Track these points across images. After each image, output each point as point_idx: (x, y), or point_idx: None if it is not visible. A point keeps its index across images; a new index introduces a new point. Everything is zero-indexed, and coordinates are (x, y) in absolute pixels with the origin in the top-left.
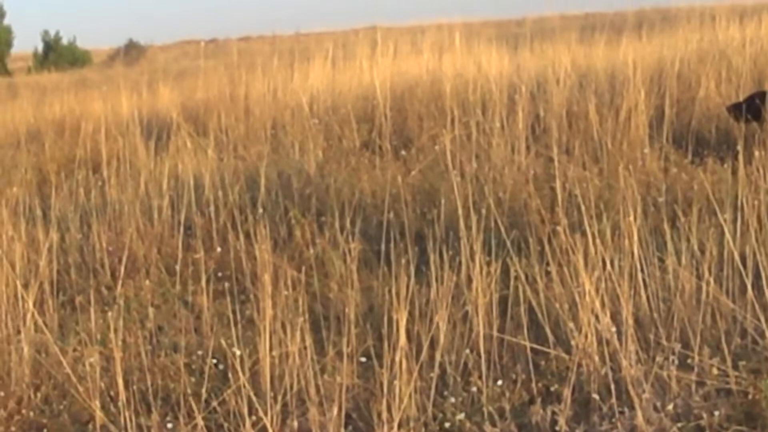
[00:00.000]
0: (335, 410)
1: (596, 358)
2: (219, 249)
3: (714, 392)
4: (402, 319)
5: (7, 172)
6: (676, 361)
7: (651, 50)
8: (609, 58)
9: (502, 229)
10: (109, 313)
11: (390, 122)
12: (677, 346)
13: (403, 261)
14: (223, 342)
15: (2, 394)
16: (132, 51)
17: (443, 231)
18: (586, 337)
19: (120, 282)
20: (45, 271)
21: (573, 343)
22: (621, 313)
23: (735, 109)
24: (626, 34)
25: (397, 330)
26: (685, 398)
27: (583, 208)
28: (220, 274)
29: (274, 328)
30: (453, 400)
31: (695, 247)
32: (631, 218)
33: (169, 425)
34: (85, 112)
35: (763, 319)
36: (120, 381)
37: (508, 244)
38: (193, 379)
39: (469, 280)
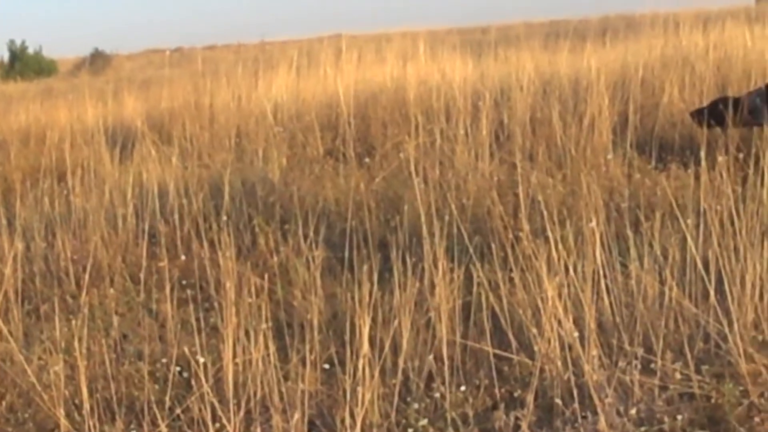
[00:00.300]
0: (298, 417)
1: (559, 364)
2: (183, 257)
3: (677, 396)
4: (365, 325)
5: None
6: (639, 366)
7: (615, 57)
8: (573, 65)
9: (466, 236)
10: (74, 322)
11: (354, 130)
12: (640, 351)
13: (366, 268)
14: (186, 350)
15: None
16: (98, 60)
17: (406, 238)
18: (549, 342)
19: (84, 290)
20: (10, 279)
21: (536, 348)
22: (584, 319)
23: (698, 115)
24: (590, 40)
25: (360, 336)
26: (648, 403)
27: (546, 214)
28: (184, 282)
29: (238, 336)
30: (416, 406)
31: (658, 253)
32: (594, 224)
33: None
34: (51, 121)
35: (725, 324)
36: (84, 389)
37: (471, 250)
38: (157, 387)
39: (432, 286)
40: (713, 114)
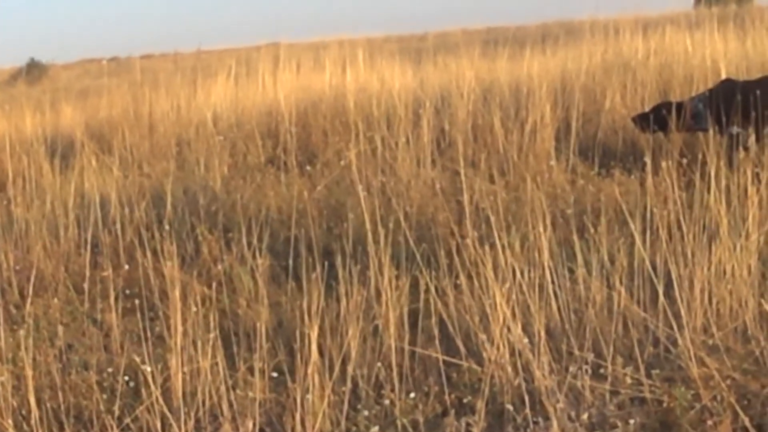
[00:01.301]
0: (249, 425)
1: (509, 369)
2: (126, 266)
3: (628, 401)
4: (313, 333)
5: None
6: (590, 371)
7: (555, 63)
8: (513, 72)
9: (411, 243)
10: (19, 332)
11: (295, 138)
12: (590, 356)
13: (313, 276)
14: (136, 358)
15: None
16: (34, 70)
17: (351, 246)
18: (498, 348)
19: (28, 300)
20: None
21: (485, 354)
22: (532, 324)
23: (641, 120)
24: (530, 47)
25: (309, 345)
26: (600, 407)
27: (492, 219)
28: (128, 292)
29: (185, 345)
30: (366, 413)
31: (605, 258)
32: (540, 230)
33: None
34: None
35: (675, 328)
36: (32, 399)
37: (418, 257)
38: (104, 397)
39: (379, 294)
40: (656, 119)
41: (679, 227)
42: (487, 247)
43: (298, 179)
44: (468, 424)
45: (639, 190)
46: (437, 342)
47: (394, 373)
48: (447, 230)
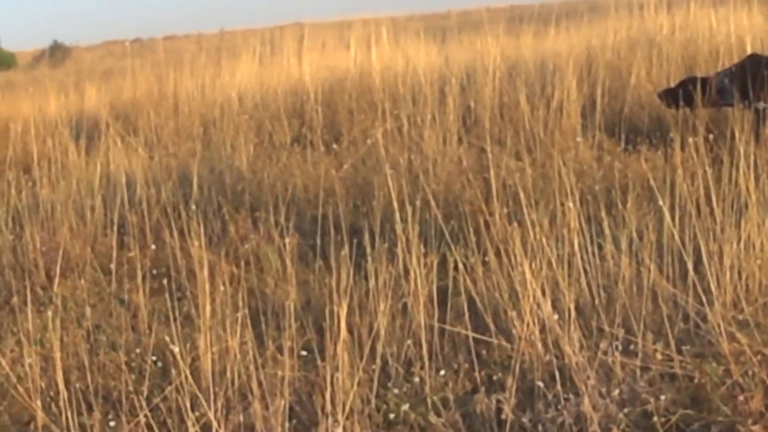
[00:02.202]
0: (279, 404)
1: (539, 346)
2: (153, 246)
3: (659, 377)
4: (342, 311)
5: None
6: (620, 347)
7: (580, 40)
8: (537, 49)
9: (439, 220)
10: (47, 313)
11: (320, 116)
12: (620, 332)
13: (341, 254)
14: (166, 338)
15: None
16: (57, 52)
17: (379, 224)
18: (528, 325)
19: (55, 282)
20: None
21: (514, 331)
22: (562, 301)
23: (667, 96)
24: (554, 24)
25: (338, 323)
26: (630, 384)
27: (521, 195)
28: (155, 272)
29: (213, 324)
30: (396, 391)
31: (633, 234)
32: (569, 206)
33: (112, 423)
34: (13, 114)
35: (705, 303)
36: (60, 380)
37: (447, 234)
38: (133, 377)
39: (407, 271)
40: (682, 95)
41: (708, 203)
42: (515, 224)
43: (324, 158)
44: (498, 401)
45: (666, 166)
46: (466, 319)
47: (424, 351)
48: (474, 207)
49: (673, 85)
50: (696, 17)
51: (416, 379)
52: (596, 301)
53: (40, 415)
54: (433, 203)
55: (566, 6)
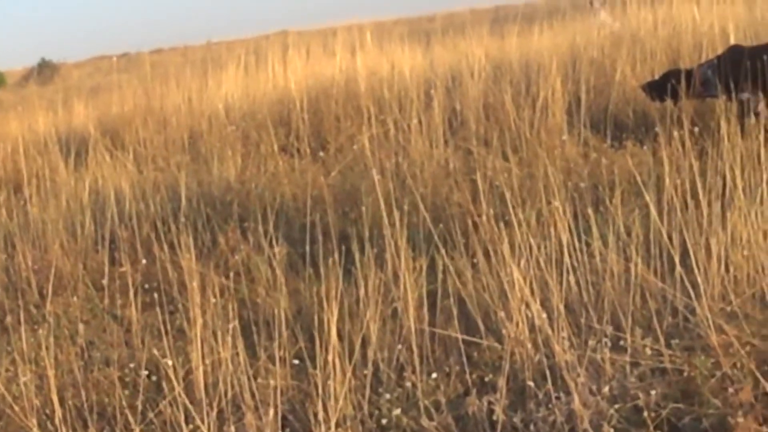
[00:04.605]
0: (271, 413)
1: (529, 346)
2: (144, 261)
3: (649, 372)
4: (332, 318)
5: None
6: (609, 344)
7: (564, 38)
8: (522, 49)
9: (428, 223)
10: (40, 332)
11: (307, 125)
12: (609, 329)
13: (330, 261)
14: (156, 352)
15: None
16: (45, 70)
17: (367, 229)
18: (518, 325)
19: (48, 300)
20: None
21: (504, 332)
22: (551, 300)
23: (650, 88)
24: (538, 23)
25: (328, 330)
26: (621, 380)
27: (508, 196)
28: (147, 286)
29: (205, 336)
30: (388, 396)
31: (621, 230)
32: (555, 204)
33: None
34: (2, 133)
35: (693, 297)
36: (55, 398)
37: (436, 237)
38: (127, 392)
39: (396, 276)
40: (665, 86)
41: (693, 196)
42: (502, 225)
43: (311, 166)
44: (490, 403)
45: (652, 161)
46: (456, 322)
47: (415, 355)
48: (462, 209)
49: (656, 77)
50: (679, 10)
51: (408, 384)
52: (585, 299)
53: None
54: (421, 207)
55: (550, 4)
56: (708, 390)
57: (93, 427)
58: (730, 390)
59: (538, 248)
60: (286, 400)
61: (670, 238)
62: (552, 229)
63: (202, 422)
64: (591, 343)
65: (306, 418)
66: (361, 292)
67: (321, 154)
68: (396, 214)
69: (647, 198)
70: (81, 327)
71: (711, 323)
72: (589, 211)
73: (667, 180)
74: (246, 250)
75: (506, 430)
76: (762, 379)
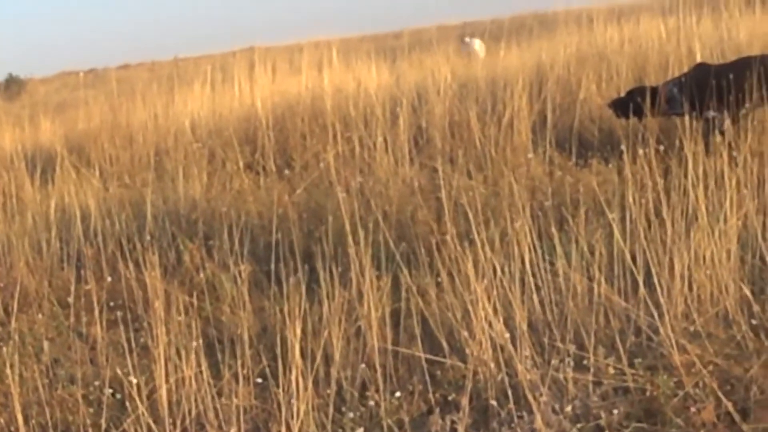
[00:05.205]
0: None
1: (492, 365)
2: (109, 279)
3: (611, 391)
4: (295, 337)
5: None
6: (572, 363)
7: (530, 55)
8: (488, 66)
9: (391, 243)
10: (4, 349)
11: (273, 142)
12: (572, 348)
13: (293, 280)
14: (119, 371)
15: None
16: (12, 85)
17: (332, 248)
18: (481, 344)
19: (13, 317)
20: None
21: (468, 351)
22: (514, 319)
23: (616, 106)
24: (504, 40)
25: (291, 349)
26: (583, 399)
27: (470, 216)
28: (112, 304)
29: (169, 355)
30: (351, 415)
31: (585, 249)
32: (520, 224)
33: None
34: None
35: (656, 316)
36: (19, 416)
37: (398, 256)
38: (91, 410)
39: (360, 295)
40: (631, 105)
41: (658, 214)
42: (467, 244)
43: (277, 183)
44: (453, 422)
45: (617, 179)
46: (420, 341)
47: (378, 374)
48: (427, 228)
49: (622, 95)
50: (646, 28)
51: (371, 403)
52: (548, 318)
53: None
54: (385, 225)
55: (516, 21)
56: (670, 409)
57: None
58: (693, 409)
59: (502, 268)
60: (250, 419)
61: (633, 257)
62: (516, 248)
63: None
64: (554, 362)
65: None
66: (325, 310)
67: (286, 171)
68: (361, 232)
69: (610, 217)
70: (46, 344)
71: (674, 342)
72: (553, 229)
73: (631, 198)
74: (211, 268)
75: None
76: (724, 399)
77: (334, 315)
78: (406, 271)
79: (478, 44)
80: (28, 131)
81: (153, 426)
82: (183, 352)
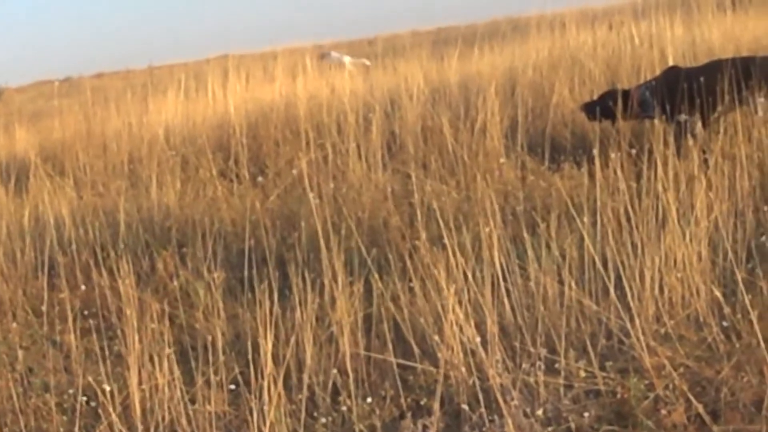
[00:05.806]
0: None
1: (463, 369)
2: (83, 287)
3: (583, 394)
4: (267, 344)
5: None
6: (543, 367)
7: (503, 60)
8: (462, 71)
9: (363, 248)
10: None
11: (246, 149)
12: (543, 352)
13: (263, 286)
14: (92, 379)
15: None
16: None
17: (305, 254)
18: (452, 349)
19: None
20: None
21: (439, 356)
22: (485, 323)
23: (588, 108)
24: (478, 46)
25: (264, 355)
26: (554, 402)
27: (441, 221)
28: (86, 312)
29: (143, 362)
30: (323, 420)
31: (556, 253)
32: (491, 228)
33: None
34: None
35: (627, 319)
36: None
37: (369, 262)
38: (65, 418)
39: (333, 300)
40: (603, 107)
41: (629, 219)
42: (438, 249)
43: (250, 190)
44: (425, 426)
45: (588, 183)
46: (392, 346)
47: (350, 379)
48: (399, 234)
49: (595, 98)
50: (618, 32)
51: (343, 408)
52: (519, 322)
53: None
54: (358, 231)
55: (490, 26)
56: (641, 411)
57: None
58: (663, 411)
59: (473, 272)
60: (223, 426)
61: (604, 260)
62: (487, 253)
63: None
64: (525, 365)
65: None
66: (297, 316)
67: (260, 178)
68: (334, 238)
69: (580, 222)
70: (20, 353)
71: (645, 345)
72: (525, 234)
73: (601, 202)
74: (185, 276)
75: None
76: (695, 401)
77: (306, 321)
78: (378, 277)
79: (348, 60)
80: (3, 140)
81: None
82: (156, 360)
